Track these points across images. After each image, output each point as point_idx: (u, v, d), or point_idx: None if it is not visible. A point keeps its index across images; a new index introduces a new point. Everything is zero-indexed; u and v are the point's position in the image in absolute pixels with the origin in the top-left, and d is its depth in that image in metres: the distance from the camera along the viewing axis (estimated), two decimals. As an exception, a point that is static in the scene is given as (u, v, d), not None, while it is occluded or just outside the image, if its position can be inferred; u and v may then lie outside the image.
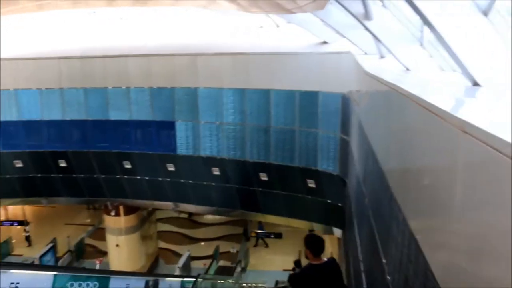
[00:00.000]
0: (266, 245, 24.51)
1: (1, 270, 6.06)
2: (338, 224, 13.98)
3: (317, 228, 15.09)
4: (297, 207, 14.91)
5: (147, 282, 10.94)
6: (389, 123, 4.90)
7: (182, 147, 15.60)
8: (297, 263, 11.28)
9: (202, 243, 24.74)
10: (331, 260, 5.44)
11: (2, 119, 16.03)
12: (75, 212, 27.28)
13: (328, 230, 14.69)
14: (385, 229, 4.58)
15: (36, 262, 15.92)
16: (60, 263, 19.53)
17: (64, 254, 21.40)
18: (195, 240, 25.17)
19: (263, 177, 14.88)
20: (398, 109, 4.28)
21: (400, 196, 3.99)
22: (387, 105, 4.95)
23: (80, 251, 22.83)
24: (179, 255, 21.05)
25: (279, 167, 14.31)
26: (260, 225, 24.52)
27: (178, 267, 16.98)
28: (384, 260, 4.69)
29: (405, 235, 3.56)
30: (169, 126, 15.52)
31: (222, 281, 17.47)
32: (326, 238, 22.39)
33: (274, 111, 13.88)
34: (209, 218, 26.35)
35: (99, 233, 21.10)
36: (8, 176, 17.13)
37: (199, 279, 13.96)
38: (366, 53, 9.84)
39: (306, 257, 5.55)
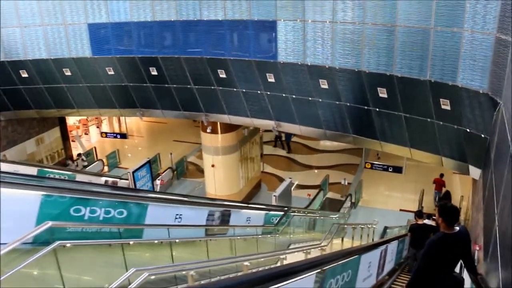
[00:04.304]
0: (289, 150, 23.66)
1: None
2: (477, 161, 10.48)
3: (448, 164, 11.63)
4: (423, 135, 11.67)
5: (211, 213, 8.67)
6: None
7: (284, 52, 12.85)
8: (419, 214, 9.23)
9: (316, 171, 22.35)
10: (462, 228, 4.79)
11: (91, 21, 14.67)
12: (187, 129, 26.42)
13: (462, 168, 11.25)
14: None
15: (130, 177, 14.73)
16: (157, 179, 18.57)
17: (164, 171, 20.62)
18: (305, 167, 22.89)
19: (382, 93, 11.65)
20: None
21: None
22: None
23: (181, 169, 21.92)
24: (285, 182, 19.00)
25: (404, 81, 10.92)
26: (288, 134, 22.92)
27: (275, 195, 14.80)
28: None
29: None
30: (270, 26, 12.79)
31: (323, 217, 14.88)
32: (456, 178, 18.92)
33: (403, 3, 10.29)
34: (327, 144, 23.78)
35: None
36: (102, 84, 16.10)
37: (289, 214, 11.36)
38: None
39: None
